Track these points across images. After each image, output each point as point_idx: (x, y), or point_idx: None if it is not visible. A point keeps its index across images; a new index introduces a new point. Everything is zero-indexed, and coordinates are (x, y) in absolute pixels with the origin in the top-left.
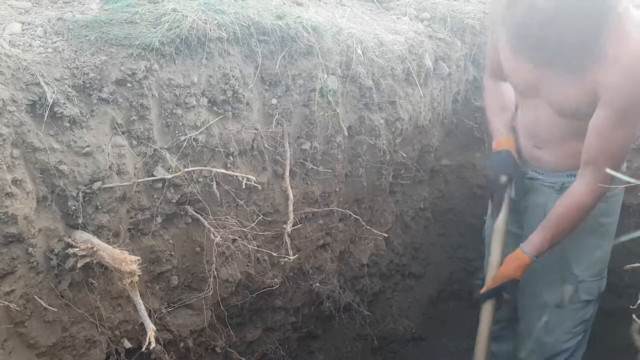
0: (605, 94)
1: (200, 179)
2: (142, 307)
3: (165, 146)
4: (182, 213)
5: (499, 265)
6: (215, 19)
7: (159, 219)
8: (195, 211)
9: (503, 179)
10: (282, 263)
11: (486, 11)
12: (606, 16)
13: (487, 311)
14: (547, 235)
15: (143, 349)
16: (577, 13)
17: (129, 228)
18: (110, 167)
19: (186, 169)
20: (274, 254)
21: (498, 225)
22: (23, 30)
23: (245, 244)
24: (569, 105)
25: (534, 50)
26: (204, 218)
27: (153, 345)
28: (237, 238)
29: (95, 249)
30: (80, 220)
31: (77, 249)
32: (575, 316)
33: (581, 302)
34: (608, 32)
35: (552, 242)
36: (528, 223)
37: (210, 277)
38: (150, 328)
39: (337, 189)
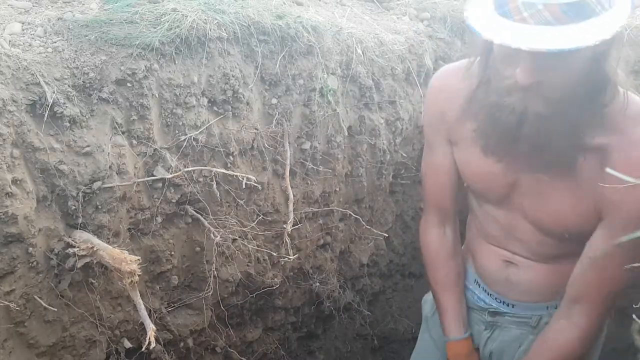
0: (614, 214)
1: (200, 179)
2: (142, 306)
3: (165, 146)
4: (182, 213)
5: None
6: (215, 19)
7: (159, 219)
8: (195, 211)
9: None
10: (282, 263)
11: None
12: (598, 110)
13: None
14: None
15: (143, 348)
16: (562, 99)
17: (129, 228)
18: (110, 167)
19: (186, 169)
20: (274, 254)
21: None
22: (23, 30)
23: (245, 243)
24: (560, 227)
25: (507, 149)
26: (204, 218)
27: (153, 345)
28: (237, 238)
29: (95, 249)
30: (80, 220)
31: (77, 248)
32: None
33: None
34: (605, 131)
35: None
36: None
37: (210, 277)
38: (150, 328)
39: (337, 189)
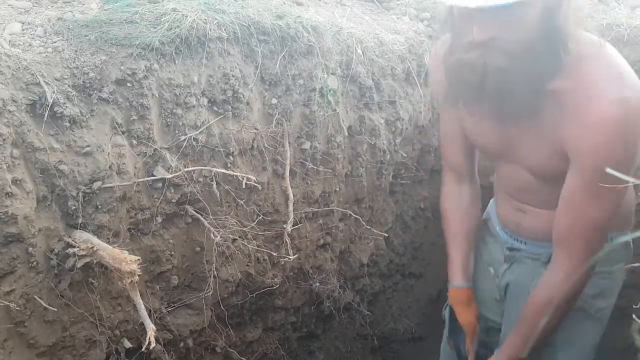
0: (574, 158)
1: (200, 179)
2: (142, 306)
3: (165, 146)
4: (182, 213)
5: None
6: (215, 19)
7: (159, 219)
8: (195, 211)
9: (450, 344)
10: (282, 263)
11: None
12: (555, 59)
13: None
14: (524, 337)
15: (143, 348)
16: (516, 52)
17: (129, 228)
18: (110, 167)
19: (186, 169)
20: (274, 254)
21: None
22: (23, 30)
23: (245, 243)
24: (546, 171)
25: (488, 102)
26: (204, 218)
27: (153, 345)
28: (237, 238)
29: (95, 249)
30: (80, 220)
31: (77, 248)
32: None
33: None
34: (562, 77)
35: (530, 344)
36: (509, 306)
37: (210, 277)
38: (150, 328)
39: (337, 189)
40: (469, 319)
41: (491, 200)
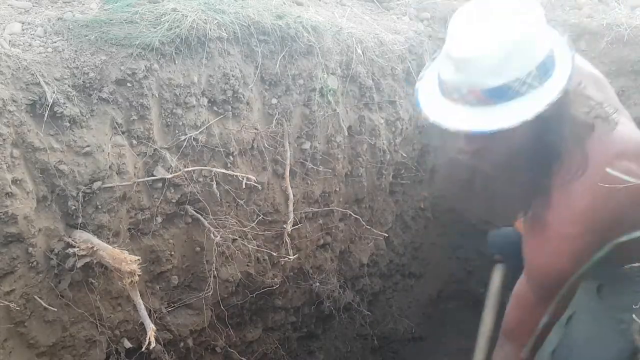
0: (528, 264)
1: (200, 179)
2: (142, 306)
3: (165, 146)
4: (182, 213)
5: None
6: (215, 19)
7: (159, 219)
8: (195, 211)
9: (497, 257)
10: (282, 263)
11: None
12: (545, 174)
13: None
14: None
15: (143, 348)
16: (504, 163)
17: (129, 228)
18: (110, 167)
19: (186, 169)
20: (274, 254)
21: (491, 292)
22: (23, 30)
23: (245, 243)
24: None
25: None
26: (204, 218)
27: (153, 345)
28: (237, 238)
29: (95, 249)
30: (80, 220)
31: (77, 248)
32: None
33: None
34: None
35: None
36: None
37: (210, 276)
38: (150, 328)
39: (337, 189)
40: None
41: None
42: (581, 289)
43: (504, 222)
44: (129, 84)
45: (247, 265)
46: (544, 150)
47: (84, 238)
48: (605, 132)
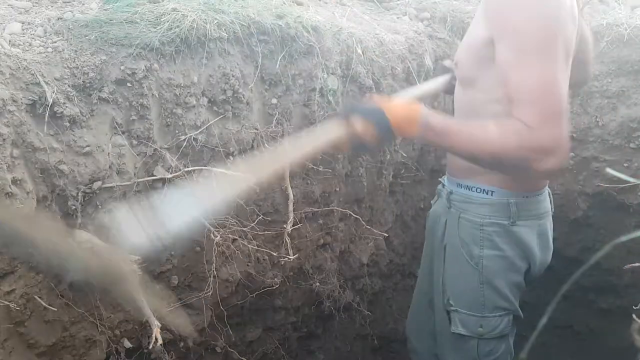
0: (497, 30)
1: (200, 179)
2: (146, 304)
3: (165, 146)
4: None
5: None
6: (215, 19)
7: None
8: None
9: (448, 62)
10: (282, 263)
11: None
12: None
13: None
14: (451, 122)
15: (150, 346)
16: None
17: None
18: (110, 166)
19: (186, 169)
20: (274, 254)
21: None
22: (23, 29)
23: (245, 243)
24: (463, 66)
25: None
26: (204, 218)
27: (160, 342)
28: (237, 238)
29: (95, 249)
30: (80, 220)
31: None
32: (458, 348)
33: (455, 335)
34: None
35: (447, 130)
36: (427, 237)
37: (210, 276)
38: (156, 325)
39: (337, 189)
40: None
41: None
42: (449, 220)
43: None
44: (128, 84)
45: (247, 265)
46: None
47: (84, 238)
48: None
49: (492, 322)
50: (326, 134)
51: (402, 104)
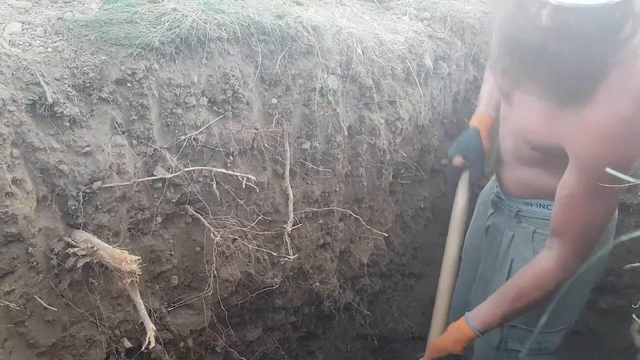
0: (574, 159)
1: (200, 179)
2: (142, 306)
3: (165, 146)
4: (182, 213)
5: (449, 271)
6: (215, 19)
7: (159, 219)
8: (195, 211)
9: (457, 160)
10: (282, 263)
11: (486, 10)
12: (606, 67)
13: None
14: (500, 310)
15: (143, 348)
16: (581, 41)
17: (129, 228)
18: (110, 166)
19: (186, 169)
20: (274, 254)
21: (455, 216)
22: (23, 29)
23: (245, 243)
24: (532, 138)
25: (536, 85)
26: (204, 218)
27: (153, 344)
28: (237, 238)
29: (95, 249)
30: (80, 220)
31: (77, 248)
32: None
33: (507, 352)
34: (600, 82)
35: (504, 318)
36: (486, 249)
37: (210, 276)
38: (150, 328)
39: (337, 189)
40: (486, 143)
41: None
42: (518, 236)
43: (566, 99)
44: (129, 84)
45: (247, 265)
46: (614, 33)
47: (84, 238)
48: None
49: (551, 338)
50: None
51: (452, 336)
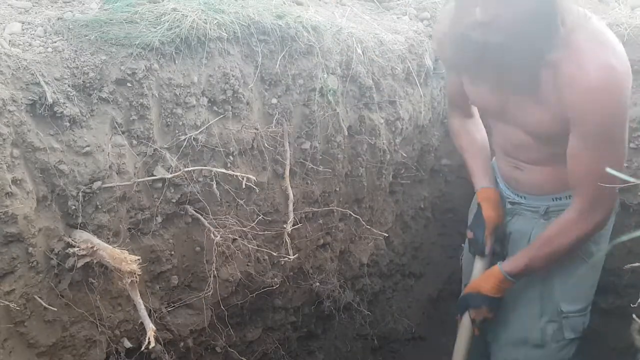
0: (576, 123)
1: (200, 179)
2: (142, 306)
3: (165, 146)
4: (182, 213)
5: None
6: (215, 19)
7: (159, 219)
8: (195, 211)
9: (469, 234)
10: (282, 263)
11: None
12: (553, 33)
13: (464, 327)
14: (527, 257)
15: (143, 348)
16: (518, 29)
17: (129, 228)
18: (110, 166)
19: (186, 169)
20: (274, 254)
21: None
22: (23, 29)
23: (245, 243)
24: (543, 132)
25: (487, 72)
26: (204, 218)
27: (153, 345)
28: (237, 238)
29: (95, 249)
30: (80, 220)
31: (77, 248)
32: (556, 357)
33: (564, 341)
34: (557, 48)
35: (531, 265)
36: (511, 250)
37: (210, 276)
38: (150, 328)
39: (337, 189)
40: (492, 214)
41: (493, 159)
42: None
43: (514, 85)
44: (129, 84)
45: (247, 265)
46: (551, 9)
47: (84, 238)
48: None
49: (588, 317)
50: (463, 334)
51: (484, 277)
